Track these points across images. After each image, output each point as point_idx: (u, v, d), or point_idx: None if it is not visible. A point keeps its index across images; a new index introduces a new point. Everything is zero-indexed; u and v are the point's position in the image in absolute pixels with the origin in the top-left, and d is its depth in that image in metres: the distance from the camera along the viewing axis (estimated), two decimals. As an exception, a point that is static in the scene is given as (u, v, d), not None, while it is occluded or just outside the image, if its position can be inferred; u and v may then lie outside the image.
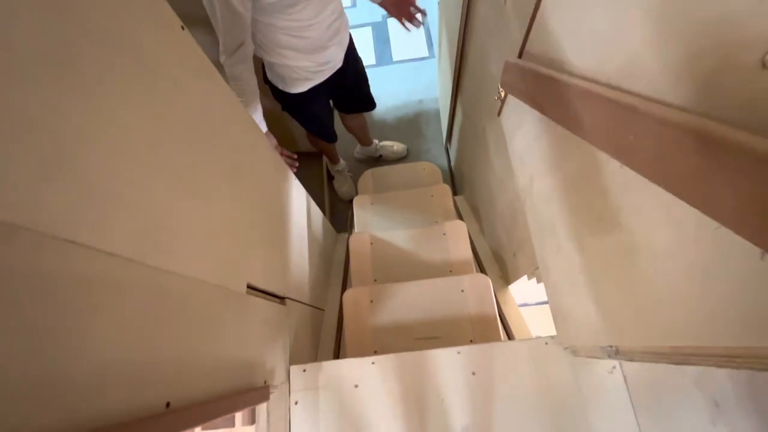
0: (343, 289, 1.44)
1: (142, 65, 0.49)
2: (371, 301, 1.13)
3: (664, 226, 0.43)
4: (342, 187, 2.10)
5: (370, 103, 1.64)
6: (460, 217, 1.68)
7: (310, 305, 1.13)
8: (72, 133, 0.36)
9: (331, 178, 2.14)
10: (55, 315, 0.32)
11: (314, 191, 2.10)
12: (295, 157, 1.18)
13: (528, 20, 0.74)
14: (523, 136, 0.85)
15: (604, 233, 0.59)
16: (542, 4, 0.68)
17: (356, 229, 1.62)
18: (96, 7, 0.42)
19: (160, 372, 0.45)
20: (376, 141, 2.14)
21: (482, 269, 1.45)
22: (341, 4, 1.18)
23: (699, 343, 0.44)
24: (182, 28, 0.61)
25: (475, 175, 1.57)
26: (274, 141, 1.19)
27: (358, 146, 2.16)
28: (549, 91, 0.63)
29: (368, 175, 1.94)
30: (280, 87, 1.26)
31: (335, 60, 1.26)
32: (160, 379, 0.45)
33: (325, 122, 1.54)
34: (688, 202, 0.36)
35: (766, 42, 0.30)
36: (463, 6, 1.28)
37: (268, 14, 1.01)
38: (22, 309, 0.30)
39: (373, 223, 1.61)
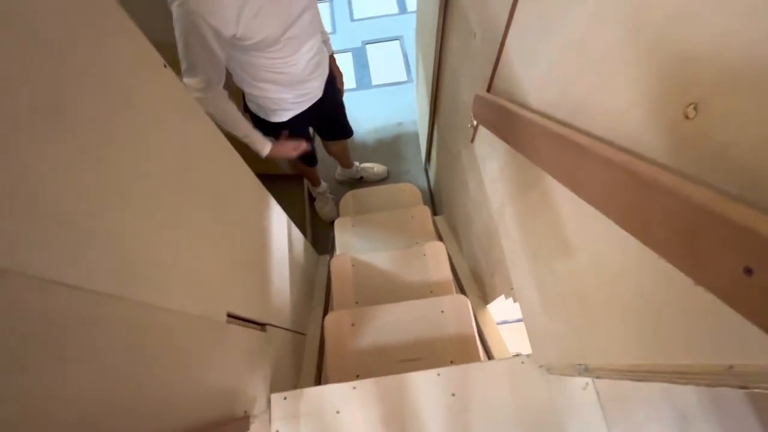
0: (325, 312, 1.44)
1: (125, 103, 0.51)
2: (353, 325, 1.13)
3: (615, 253, 0.48)
4: (323, 208, 2.12)
5: (347, 131, 1.69)
6: (440, 238, 1.72)
7: (291, 330, 1.13)
8: (54, 172, 0.38)
9: (312, 200, 2.16)
10: (39, 356, 0.33)
11: (295, 214, 2.11)
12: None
13: (495, 58, 0.79)
14: (495, 163, 0.90)
15: (569, 256, 0.63)
16: (505, 46, 0.73)
17: (338, 251, 1.63)
18: (84, 50, 0.44)
19: (142, 407, 0.45)
20: (356, 163, 2.18)
21: (462, 289, 1.48)
22: (320, 41, 1.22)
23: (651, 361, 0.47)
24: (164, 66, 0.63)
25: (453, 196, 1.62)
26: (289, 148, 1.30)
27: (339, 168, 2.19)
28: (513, 125, 0.68)
29: (349, 197, 1.97)
30: (261, 116, 1.29)
31: (315, 91, 1.30)
32: (141, 414, 0.45)
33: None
34: (630, 233, 0.40)
35: (688, 96, 0.34)
36: (437, 37, 1.35)
37: (248, 53, 1.04)
38: (7, 350, 0.30)
39: (355, 245, 1.63)
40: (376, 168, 2.24)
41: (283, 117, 1.28)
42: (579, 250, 0.58)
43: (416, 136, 2.44)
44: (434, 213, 2.04)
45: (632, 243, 0.43)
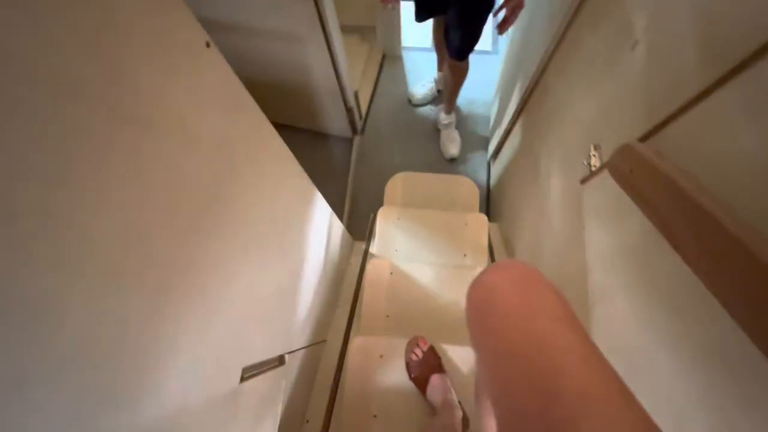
0: (351, 313, 1.31)
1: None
2: (381, 356, 1.00)
3: None
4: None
5: (454, 50, 1.48)
6: (492, 253, 1.52)
7: (312, 344, 1.01)
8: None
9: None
10: None
11: (338, 179, 1.93)
12: None
13: (675, 101, 0.54)
14: (614, 236, 0.67)
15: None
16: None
17: (376, 244, 1.46)
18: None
19: None
20: (454, 118, 1.99)
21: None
22: None
23: None
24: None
25: (521, 214, 1.38)
26: None
27: (440, 107, 2.05)
28: (696, 226, 0.45)
29: (398, 180, 1.75)
30: None
31: None
32: None
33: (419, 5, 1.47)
34: None
35: None
36: (560, 19, 1.05)
37: None
38: None
39: (396, 242, 1.45)
40: (453, 147, 1.98)
41: None
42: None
43: (487, 120, 2.13)
44: (489, 217, 1.81)
45: None
